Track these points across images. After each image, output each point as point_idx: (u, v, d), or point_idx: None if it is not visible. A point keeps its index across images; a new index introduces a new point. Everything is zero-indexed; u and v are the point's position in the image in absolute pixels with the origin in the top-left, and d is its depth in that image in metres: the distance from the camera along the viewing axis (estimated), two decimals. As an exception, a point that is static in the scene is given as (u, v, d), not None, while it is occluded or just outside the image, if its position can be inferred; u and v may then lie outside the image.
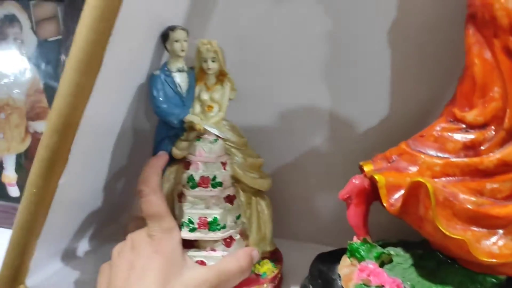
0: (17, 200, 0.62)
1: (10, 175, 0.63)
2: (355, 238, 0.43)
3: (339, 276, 0.43)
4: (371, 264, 0.40)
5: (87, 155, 0.46)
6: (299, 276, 0.47)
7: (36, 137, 0.62)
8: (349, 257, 0.43)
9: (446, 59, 0.47)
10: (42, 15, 0.61)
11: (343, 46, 0.51)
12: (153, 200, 0.42)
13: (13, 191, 0.63)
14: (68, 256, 0.54)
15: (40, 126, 0.62)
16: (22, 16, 0.62)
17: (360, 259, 0.41)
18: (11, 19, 0.63)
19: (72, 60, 0.37)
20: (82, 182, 0.48)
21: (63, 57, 0.60)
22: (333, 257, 0.46)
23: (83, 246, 0.57)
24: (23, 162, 0.62)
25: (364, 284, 0.39)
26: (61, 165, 0.41)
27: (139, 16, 0.44)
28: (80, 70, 0.37)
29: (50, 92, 0.61)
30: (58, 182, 0.42)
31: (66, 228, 0.52)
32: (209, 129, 0.45)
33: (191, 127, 0.46)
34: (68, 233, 0.53)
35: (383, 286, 0.38)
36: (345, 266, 0.43)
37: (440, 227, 0.34)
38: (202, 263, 0.43)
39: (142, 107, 0.52)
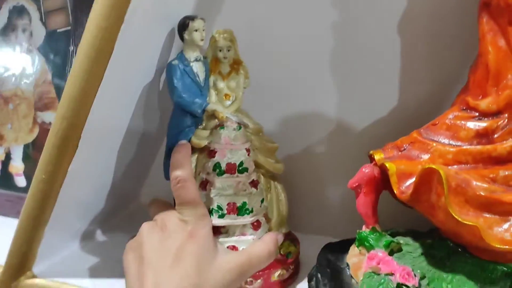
0: (23, 190, 0.62)
1: (17, 165, 0.63)
2: (364, 227, 0.43)
3: (348, 265, 0.43)
4: (380, 253, 0.40)
5: (97, 142, 0.46)
6: (308, 268, 0.47)
7: (44, 128, 0.62)
8: (357, 246, 0.43)
9: (457, 48, 0.47)
10: (51, 6, 0.61)
11: (356, 35, 0.50)
12: (189, 187, 0.43)
13: (20, 181, 0.63)
14: (76, 243, 0.54)
15: (48, 116, 0.62)
16: (31, 7, 0.62)
17: (369, 247, 0.41)
18: (20, 11, 0.63)
19: (83, 47, 0.37)
20: (92, 170, 0.48)
21: (72, 48, 0.60)
22: (341, 247, 0.46)
23: (91, 234, 0.57)
24: (31, 153, 0.62)
25: (373, 272, 0.39)
26: (71, 152, 0.41)
27: (149, 6, 0.45)
28: (91, 56, 0.37)
29: (58, 83, 0.61)
30: (68, 169, 0.42)
31: (75, 216, 0.52)
32: (230, 117, 0.46)
33: (210, 116, 0.46)
34: (77, 221, 0.53)
35: (393, 274, 0.38)
36: (353, 255, 0.43)
37: (453, 214, 0.34)
38: (234, 248, 0.44)
39: (154, 98, 0.52)
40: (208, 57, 0.47)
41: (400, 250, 0.42)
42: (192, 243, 0.39)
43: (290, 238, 0.50)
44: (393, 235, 0.44)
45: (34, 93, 0.62)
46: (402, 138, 0.42)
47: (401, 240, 0.43)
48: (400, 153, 0.41)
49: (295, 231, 0.52)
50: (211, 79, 0.47)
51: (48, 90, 0.62)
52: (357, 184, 0.42)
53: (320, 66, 0.52)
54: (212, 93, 0.47)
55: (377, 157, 0.42)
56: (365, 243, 0.42)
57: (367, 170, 0.42)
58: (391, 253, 0.41)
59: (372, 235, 0.42)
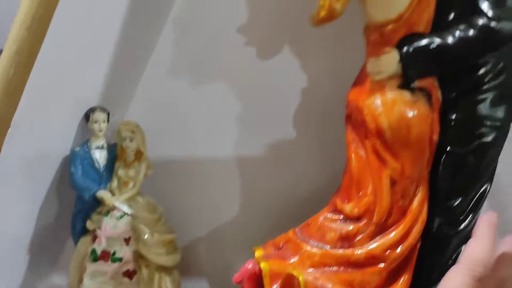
0: None
1: None
2: (249, 321, 0.45)
3: None
4: None
5: None
6: None
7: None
8: None
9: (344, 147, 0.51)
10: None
11: (254, 124, 0.54)
12: None
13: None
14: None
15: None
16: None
17: None
18: None
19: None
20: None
21: None
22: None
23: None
24: None
25: None
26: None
27: (57, 99, 0.47)
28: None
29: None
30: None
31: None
32: (118, 205, 0.48)
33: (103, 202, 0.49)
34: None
35: None
36: None
37: (309, 319, 0.36)
38: None
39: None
40: (118, 144, 0.51)
41: None
42: None
43: None
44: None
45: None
46: (280, 236, 0.44)
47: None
48: (277, 251, 0.43)
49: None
50: (116, 165, 0.50)
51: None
52: (240, 279, 0.44)
53: (224, 146, 0.55)
54: (114, 179, 0.50)
55: (257, 254, 0.44)
56: (249, 337, 0.43)
57: (249, 266, 0.44)
58: None
59: (255, 329, 0.44)
